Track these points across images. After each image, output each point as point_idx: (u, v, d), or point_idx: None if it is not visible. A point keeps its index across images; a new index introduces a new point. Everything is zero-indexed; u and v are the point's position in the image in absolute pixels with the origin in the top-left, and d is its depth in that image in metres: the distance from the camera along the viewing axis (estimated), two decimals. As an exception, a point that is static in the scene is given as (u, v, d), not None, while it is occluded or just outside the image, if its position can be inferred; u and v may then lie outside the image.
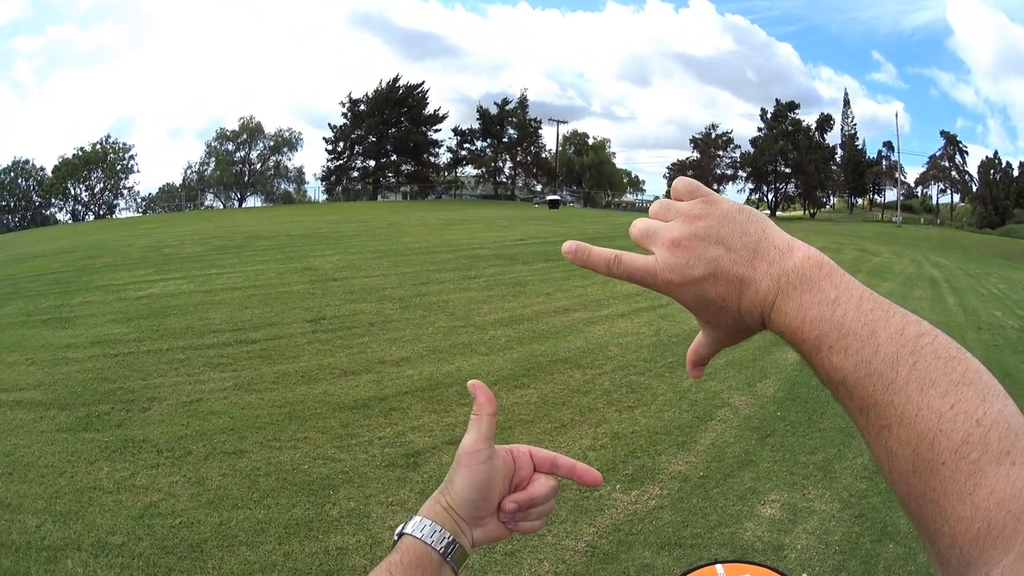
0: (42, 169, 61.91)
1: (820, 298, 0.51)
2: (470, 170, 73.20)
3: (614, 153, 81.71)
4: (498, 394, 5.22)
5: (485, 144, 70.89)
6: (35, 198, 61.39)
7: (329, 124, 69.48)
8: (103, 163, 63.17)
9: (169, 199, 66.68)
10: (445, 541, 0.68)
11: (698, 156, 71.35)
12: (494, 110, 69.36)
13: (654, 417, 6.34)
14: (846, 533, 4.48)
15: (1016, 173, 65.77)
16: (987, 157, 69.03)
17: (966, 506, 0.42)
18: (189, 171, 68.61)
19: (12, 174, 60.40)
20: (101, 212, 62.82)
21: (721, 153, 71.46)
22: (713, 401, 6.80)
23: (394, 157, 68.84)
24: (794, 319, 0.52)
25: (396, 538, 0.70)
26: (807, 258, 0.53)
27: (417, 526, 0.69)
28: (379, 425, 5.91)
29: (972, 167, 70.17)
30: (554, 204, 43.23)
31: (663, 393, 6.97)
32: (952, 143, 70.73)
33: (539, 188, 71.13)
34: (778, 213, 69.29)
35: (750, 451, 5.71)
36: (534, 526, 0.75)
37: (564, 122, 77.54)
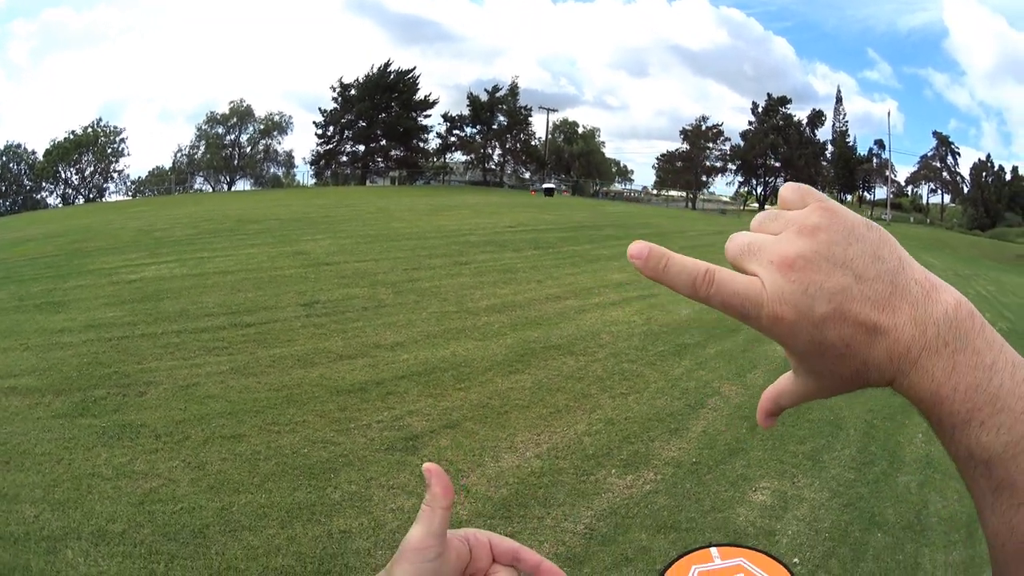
0: (33, 153, 60.95)
1: (976, 362, 0.41)
2: (459, 156, 72.96)
3: (604, 142, 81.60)
4: (492, 379, 5.30)
5: (475, 131, 70.63)
6: (26, 182, 60.46)
7: (320, 108, 68.86)
8: (94, 146, 62.34)
9: (159, 182, 65.97)
10: None
11: (688, 148, 71.30)
12: (487, 97, 69.09)
13: (647, 404, 6.43)
14: (835, 521, 4.59)
15: (1008, 177, 66.06)
16: (979, 160, 68.99)
17: None
18: (179, 154, 67.78)
19: (4, 158, 59.33)
20: (91, 196, 61.97)
21: (711, 145, 71.42)
22: (704, 390, 6.89)
23: (384, 142, 68.29)
24: (944, 385, 0.41)
25: None
26: (959, 305, 0.43)
27: None
28: (377, 409, 5.97)
29: (964, 169, 70.35)
30: (549, 192, 46.48)
31: (655, 381, 7.06)
32: (944, 144, 70.77)
33: (527, 176, 70.99)
34: (767, 206, 69.00)
35: (741, 439, 5.82)
36: None
37: (554, 110, 77.25)
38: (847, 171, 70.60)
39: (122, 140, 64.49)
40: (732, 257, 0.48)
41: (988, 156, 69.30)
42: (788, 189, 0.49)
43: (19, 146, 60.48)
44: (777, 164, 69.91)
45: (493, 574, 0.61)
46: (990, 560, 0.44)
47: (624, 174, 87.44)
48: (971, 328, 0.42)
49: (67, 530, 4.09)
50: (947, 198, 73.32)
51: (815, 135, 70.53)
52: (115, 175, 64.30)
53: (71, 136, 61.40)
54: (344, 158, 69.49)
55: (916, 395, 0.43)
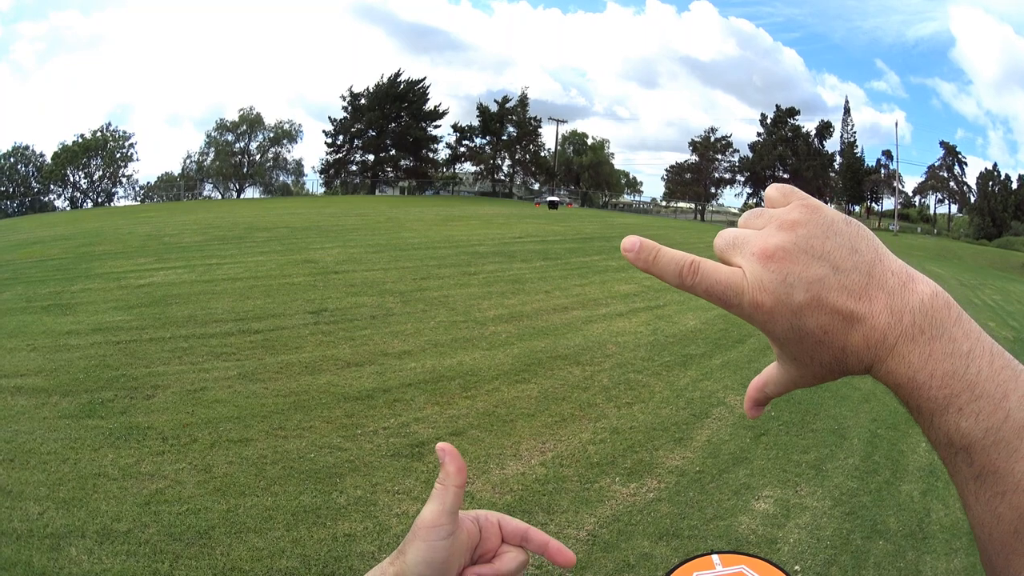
0: (41, 155, 61.32)
1: (952, 349, 0.43)
2: (468, 167, 73.12)
3: (613, 154, 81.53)
4: (499, 388, 5.32)
5: (484, 141, 70.78)
6: (34, 184, 60.82)
7: (329, 117, 69.26)
8: (103, 151, 62.74)
9: (168, 188, 66.36)
10: None
11: (696, 159, 71.32)
12: (496, 107, 69.25)
13: (652, 414, 6.45)
14: (837, 529, 4.61)
15: (1015, 186, 65.60)
16: (986, 169, 68.46)
17: None
18: (188, 161, 68.24)
19: (12, 159, 59.75)
20: (99, 200, 62.40)
21: (720, 157, 71.38)
22: (709, 400, 6.91)
23: (393, 152, 68.65)
24: (920, 371, 0.43)
25: None
26: (935, 295, 0.45)
27: None
28: (383, 416, 6.01)
29: (971, 179, 70.01)
30: (553, 205, 45.38)
31: (660, 391, 7.08)
32: (951, 154, 70.48)
33: (536, 187, 71.09)
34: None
35: (745, 448, 5.84)
36: None
37: (564, 121, 77.38)
38: (855, 182, 70.53)
39: (131, 145, 64.99)
40: (719, 250, 0.50)
41: (995, 165, 68.90)
42: (773, 189, 0.52)
43: (27, 148, 60.91)
44: (786, 176, 69.63)
45: (503, 553, 0.66)
46: (979, 551, 0.45)
47: (633, 185, 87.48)
48: (947, 317, 0.44)
49: (71, 528, 4.13)
50: (954, 208, 73.07)
51: (823, 146, 70.52)
52: (124, 180, 64.73)
53: (80, 140, 61.85)
54: (354, 167, 69.84)
55: (894, 381, 0.45)
